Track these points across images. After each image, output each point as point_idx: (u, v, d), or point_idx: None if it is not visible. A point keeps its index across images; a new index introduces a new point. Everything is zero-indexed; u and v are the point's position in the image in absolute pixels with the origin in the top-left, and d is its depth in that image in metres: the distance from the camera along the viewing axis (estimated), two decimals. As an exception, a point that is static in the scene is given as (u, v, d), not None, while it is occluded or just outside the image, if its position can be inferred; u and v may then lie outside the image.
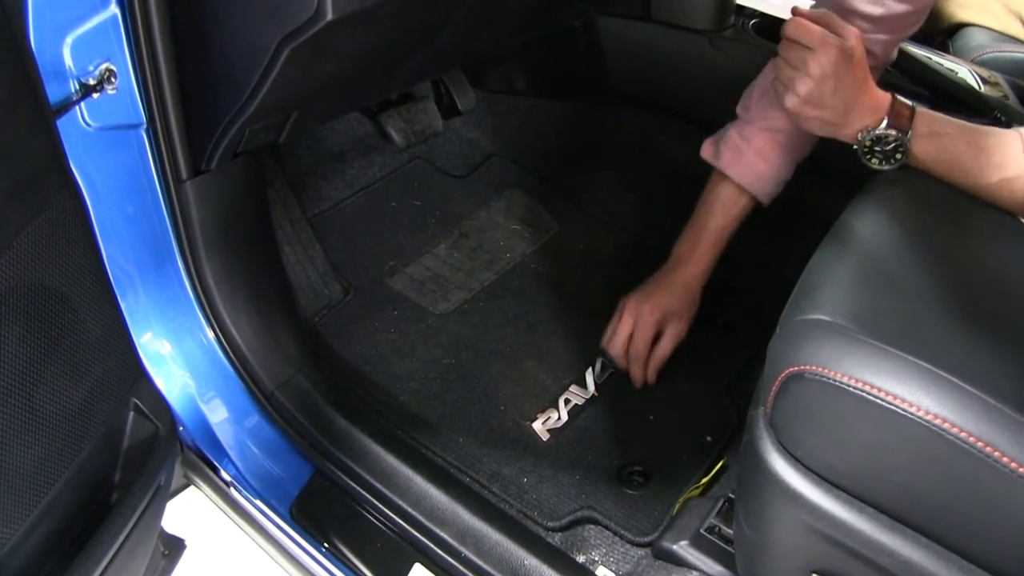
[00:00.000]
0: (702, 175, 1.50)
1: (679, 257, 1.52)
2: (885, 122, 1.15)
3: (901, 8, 1.25)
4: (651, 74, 1.85)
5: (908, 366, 0.80)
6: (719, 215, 1.47)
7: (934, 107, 1.43)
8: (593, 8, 1.80)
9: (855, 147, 1.18)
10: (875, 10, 1.26)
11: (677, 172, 1.84)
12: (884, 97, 1.16)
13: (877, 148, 1.16)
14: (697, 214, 1.50)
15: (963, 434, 0.76)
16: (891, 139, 1.15)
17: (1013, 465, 0.74)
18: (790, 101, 1.18)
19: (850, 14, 1.26)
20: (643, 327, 1.49)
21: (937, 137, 1.15)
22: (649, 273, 1.56)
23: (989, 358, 0.94)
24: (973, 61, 1.92)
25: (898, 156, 1.16)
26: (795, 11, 1.19)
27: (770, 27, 1.72)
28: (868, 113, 1.16)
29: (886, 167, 1.17)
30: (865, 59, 1.16)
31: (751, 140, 1.40)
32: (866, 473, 0.83)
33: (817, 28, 1.15)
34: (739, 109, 1.44)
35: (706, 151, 1.47)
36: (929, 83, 1.48)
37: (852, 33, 1.15)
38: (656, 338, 1.51)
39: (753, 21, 1.75)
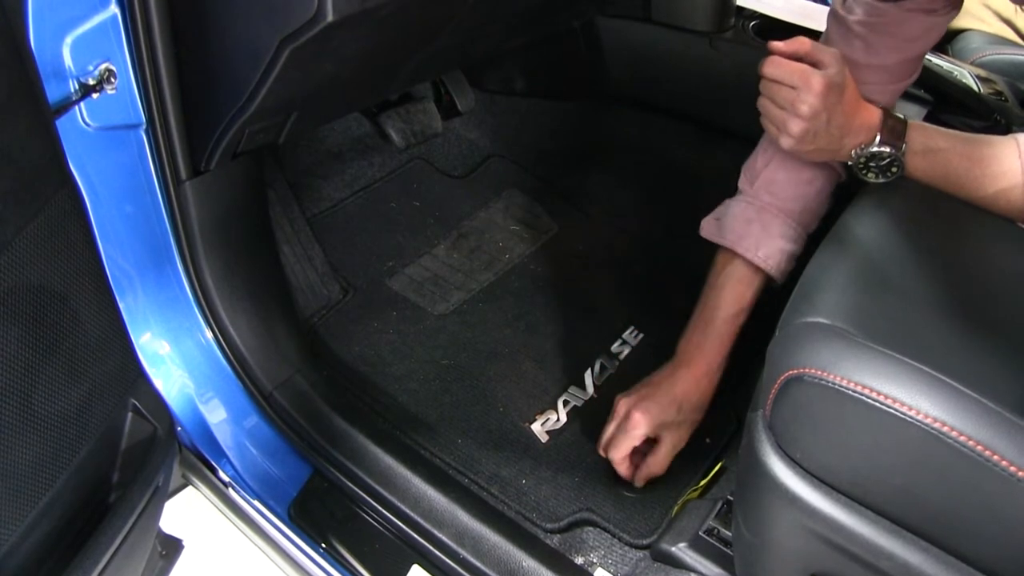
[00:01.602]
0: (702, 176, 1.50)
1: (684, 354, 1.36)
2: (878, 139, 1.14)
3: (892, 59, 1.22)
4: (651, 75, 1.85)
5: (907, 369, 0.80)
6: (730, 301, 1.32)
7: (934, 108, 1.44)
8: (593, 9, 1.80)
9: (850, 164, 1.17)
10: (871, 60, 1.21)
11: (676, 173, 1.84)
12: (875, 113, 1.15)
13: (872, 164, 1.15)
14: (704, 304, 1.35)
15: (962, 437, 0.76)
16: (885, 155, 1.14)
17: (1012, 469, 0.74)
18: (785, 143, 1.15)
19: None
20: (627, 435, 1.31)
21: (932, 152, 1.14)
22: (647, 274, 1.55)
23: (988, 361, 0.94)
24: (972, 63, 1.93)
25: (894, 170, 1.15)
26: (771, 47, 1.13)
27: (770, 29, 1.72)
28: (862, 132, 1.14)
29: (882, 180, 1.17)
30: (851, 80, 1.13)
31: (760, 215, 1.30)
32: (865, 476, 0.83)
33: (796, 66, 1.11)
34: (742, 183, 1.35)
35: (707, 230, 1.36)
36: (929, 85, 1.48)
37: (833, 58, 1.11)
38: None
39: (753, 23, 1.75)
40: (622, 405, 1.34)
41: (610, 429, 1.34)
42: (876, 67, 1.22)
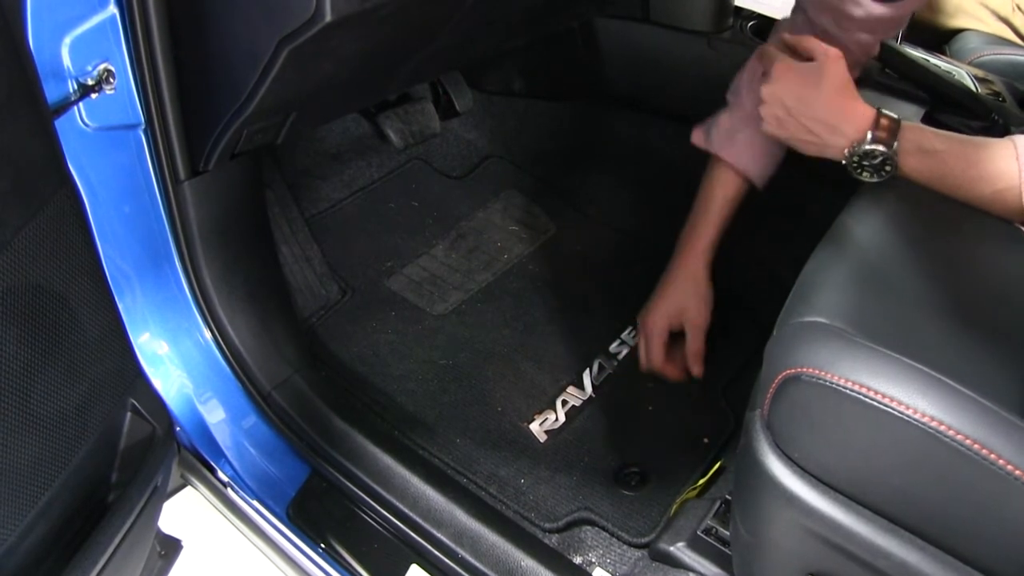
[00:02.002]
0: (700, 176, 1.50)
1: (681, 248, 1.52)
2: (870, 136, 1.14)
3: (880, 11, 1.25)
4: (649, 76, 1.85)
5: (904, 369, 0.81)
6: (718, 198, 1.46)
7: (931, 109, 1.44)
8: (591, 10, 1.80)
9: (844, 163, 1.17)
10: (856, 11, 1.26)
11: (675, 173, 1.84)
12: (868, 112, 1.16)
13: (866, 163, 1.16)
14: (696, 203, 1.50)
15: (959, 437, 0.76)
16: (878, 154, 1.15)
17: (1009, 468, 0.75)
18: (765, 127, 1.22)
19: (829, 12, 1.28)
20: (653, 338, 1.49)
21: (926, 153, 1.14)
22: (645, 274, 1.56)
23: (985, 361, 0.95)
24: (970, 63, 1.93)
25: (888, 169, 1.16)
26: (781, 38, 1.21)
27: (768, 29, 1.72)
28: (852, 130, 1.15)
29: (876, 179, 1.17)
30: (846, 77, 1.16)
31: (743, 127, 1.40)
32: (862, 475, 0.83)
33: (772, 53, 1.18)
34: (729, 96, 1.44)
35: (696, 137, 1.48)
36: (927, 85, 1.48)
37: (821, 52, 1.16)
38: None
39: (751, 23, 1.75)
40: (640, 319, 1.52)
41: (641, 347, 1.52)
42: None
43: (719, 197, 1.46)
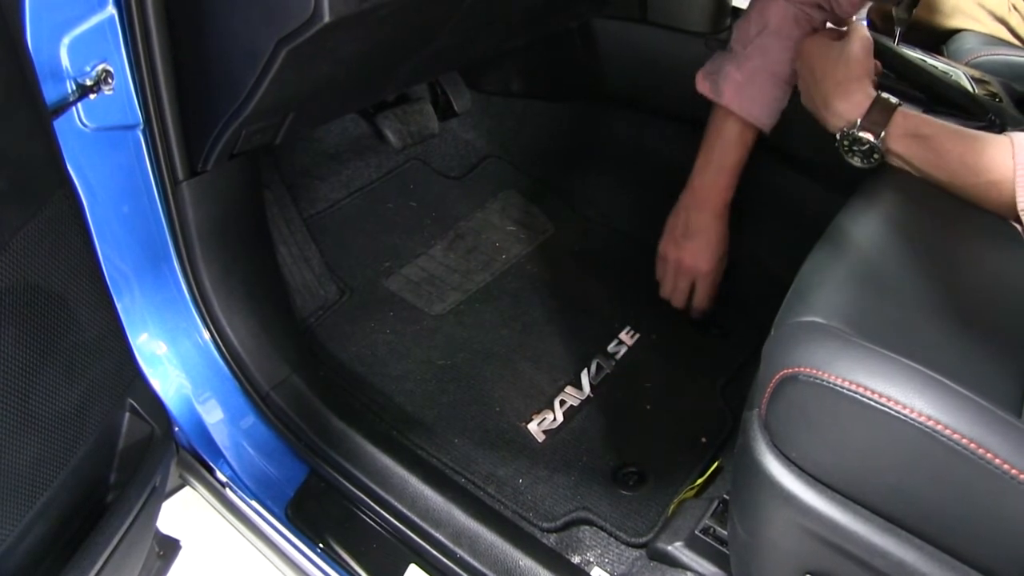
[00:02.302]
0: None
1: (700, 197, 1.56)
2: (859, 123, 1.19)
3: None
4: (647, 76, 1.85)
5: (901, 368, 0.81)
6: (732, 151, 1.50)
7: (929, 109, 1.44)
8: (589, 10, 1.80)
9: (836, 145, 1.22)
10: None
11: (672, 173, 1.84)
12: (864, 101, 1.21)
13: (855, 148, 1.21)
14: (711, 150, 1.53)
15: (956, 436, 0.76)
16: (865, 141, 1.19)
17: (1006, 467, 0.75)
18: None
19: None
20: (704, 279, 1.59)
21: (918, 138, 1.17)
22: (644, 274, 1.56)
23: (983, 361, 0.95)
24: (967, 64, 1.93)
25: (876, 156, 1.19)
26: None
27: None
28: (845, 114, 1.21)
29: (865, 165, 1.21)
30: (863, 60, 1.23)
31: (752, 77, 1.44)
32: (859, 475, 0.83)
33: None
34: (734, 43, 1.47)
35: (703, 86, 1.50)
36: (923, 85, 1.49)
37: (854, 33, 1.24)
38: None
39: (749, 23, 1.75)
40: (671, 252, 1.61)
41: (668, 279, 1.63)
42: None
43: (735, 150, 1.50)
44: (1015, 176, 1.10)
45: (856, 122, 1.19)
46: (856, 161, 1.21)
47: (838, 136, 1.22)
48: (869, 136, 1.19)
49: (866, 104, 1.19)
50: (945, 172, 1.16)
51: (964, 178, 1.15)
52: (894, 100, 1.20)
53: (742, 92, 1.44)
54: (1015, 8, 2.26)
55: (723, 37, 1.71)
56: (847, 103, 1.21)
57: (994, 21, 2.26)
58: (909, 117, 1.18)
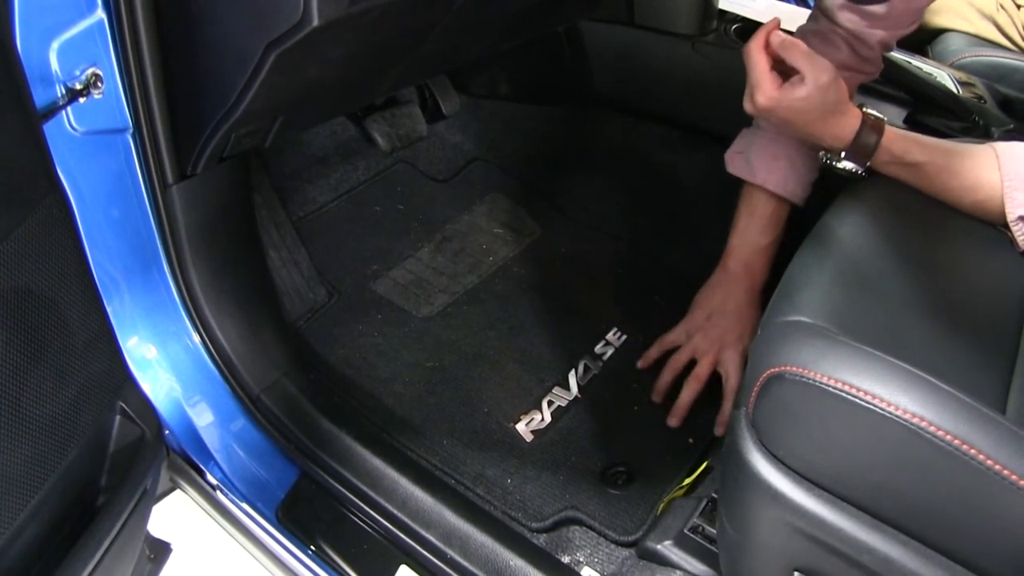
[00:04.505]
0: (684, 179, 1.51)
1: (740, 272, 1.46)
2: (843, 154, 1.18)
3: (901, 5, 1.26)
4: (634, 79, 1.86)
5: (887, 366, 0.82)
6: (771, 229, 1.43)
7: (914, 110, 1.46)
8: (577, 13, 1.81)
9: (821, 157, 1.22)
10: (878, 9, 1.26)
11: (659, 176, 1.85)
12: (850, 128, 1.17)
13: (840, 169, 1.21)
14: (747, 229, 1.45)
15: (941, 432, 0.77)
16: (848, 170, 1.19)
17: (989, 463, 0.76)
18: (747, 108, 1.22)
19: (848, 10, 1.27)
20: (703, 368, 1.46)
21: (906, 166, 1.17)
22: (630, 276, 1.56)
23: (966, 358, 0.96)
24: (952, 65, 1.95)
25: (862, 174, 1.19)
26: (772, 34, 1.19)
27: (752, 32, 1.73)
28: (829, 141, 1.18)
29: (851, 176, 1.21)
30: (837, 97, 1.15)
31: (786, 151, 1.37)
32: (846, 472, 0.84)
33: (760, 68, 1.16)
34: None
35: (734, 166, 1.43)
36: (909, 87, 1.50)
37: (811, 77, 1.13)
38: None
39: (735, 26, 1.76)
40: (693, 330, 1.48)
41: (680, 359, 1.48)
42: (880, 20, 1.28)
43: (772, 229, 1.43)
44: (1002, 187, 1.11)
45: (841, 153, 1.18)
46: (841, 172, 1.21)
47: (821, 155, 1.21)
48: (853, 167, 1.18)
49: (850, 135, 1.16)
50: (933, 192, 1.17)
51: (954, 198, 1.16)
52: (881, 118, 1.18)
53: (775, 167, 1.38)
54: (1003, 7, 2.27)
55: (710, 40, 1.73)
56: (835, 135, 1.17)
57: (982, 19, 2.28)
58: (896, 143, 1.16)
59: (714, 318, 1.47)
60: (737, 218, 1.46)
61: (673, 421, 1.45)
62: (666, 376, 1.48)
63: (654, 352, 1.53)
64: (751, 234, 1.44)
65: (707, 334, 1.46)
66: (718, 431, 1.42)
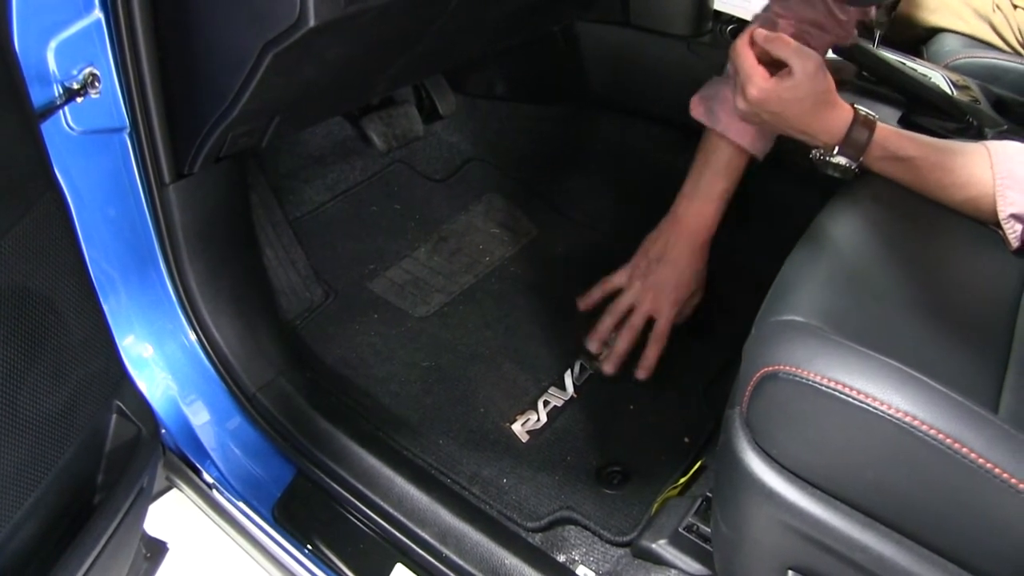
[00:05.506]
0: (680, 178, 1.51)
1: (685, 220, 1.49)
2: (837, 149, 1.18)
3: None
4: (630, 79, 1.86)
5: (879, 365, 0.82)
6: (724, 178, 1.45)
7: (908, 111, 1.46)
8: (573, 14, 1.81)
9: (812, 158, 1.22)
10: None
11: (655, 176, 1.85)
12: (843, 122, 1.17)
13: (831, 167, 1.21)
14: (700, 176, 1.47)
15: (932, 431, 0.78)
16: (842, 165, 1.19)
17: (981, 461, 0.76)
18: (738, 105, 1.23)
19: None
20: (656, 340, 1.51)
21: (898, 161, 1.17)
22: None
23: (960, 357, 0.96)
24: (946, 66, 1.95)
25: (854, 171, 1.19)
26: (755, 33, 1.20)
27: (747, 33, 1.74)
28: (825, 138, 1.19)
29: (844, 177, 1.21)
30: (826, 87, 1.17)
31: None
32: (839, 470, 0.84)
33: (749, 62, 1.18)
34: (730, 68, 1.39)
35: (697, 111, 1.45)
36: (903, 88, 1.50)
37: (801, 67, 1.15)
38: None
39: (731, 27, 1.76)
40: (636, 277, 1.52)
41: (618, 309, 1.52)
42: None
43: (727, 178, 1.45)
44: (994, 185, 1.12)
45: (834, 148, 1.18)
46: (835, 174, 1.21)
47: (813, 154, 1.21)
48: (846, 161, 1.19)
49: (842, 130, 1.17)
50: (926, 190, 1.18)
51: (946, 195, 1.16)
52: (872, 116, 1.19)
53: (736, 117, 1.37)
54: (999, 8, 2.28)
55: (705, 40, 1.73)
56: (826, 129, 1.18)
57: (978, 19, 2.28)
58: (889, 138, 1.17)
59: (654, 265, 1.50)
60: (693, 164, 1.48)
61: (608, 368, 1.51)
62: (607, 321, 1.53)
63: (596, 294, 1.57)
64: (704, 181, 1.46)
65: (646, 280, 1.50)
66: (639, 374, 1.50)
